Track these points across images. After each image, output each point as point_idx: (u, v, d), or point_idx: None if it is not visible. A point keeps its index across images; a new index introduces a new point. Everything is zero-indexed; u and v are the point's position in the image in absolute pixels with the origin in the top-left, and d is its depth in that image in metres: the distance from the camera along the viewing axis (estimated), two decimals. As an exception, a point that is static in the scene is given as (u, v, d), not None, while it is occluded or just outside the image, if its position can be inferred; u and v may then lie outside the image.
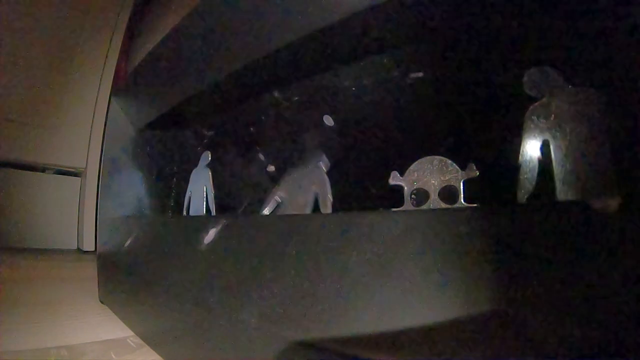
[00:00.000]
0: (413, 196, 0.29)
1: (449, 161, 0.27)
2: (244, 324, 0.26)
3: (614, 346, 0.14)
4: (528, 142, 0.24)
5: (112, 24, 1.33)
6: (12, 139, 1.16)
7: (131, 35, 1.43)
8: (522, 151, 0.24)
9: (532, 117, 0.24)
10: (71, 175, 1.31)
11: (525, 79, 0.25)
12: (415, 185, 0.29)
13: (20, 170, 1.21)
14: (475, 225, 0.20)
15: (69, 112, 1.26)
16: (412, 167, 0.29)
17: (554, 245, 0.17)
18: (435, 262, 0.20)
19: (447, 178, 0.27)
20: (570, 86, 0.23)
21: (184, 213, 0.56)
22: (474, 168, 0.26)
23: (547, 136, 0.23)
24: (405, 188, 0.29)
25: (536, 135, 0.24)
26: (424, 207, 0.28)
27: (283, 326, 0.24)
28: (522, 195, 0.24)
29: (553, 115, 0.23)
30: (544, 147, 0.23)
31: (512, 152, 0.26)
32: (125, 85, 0.65)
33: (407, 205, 0.29)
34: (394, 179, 0.30)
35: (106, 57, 1.32)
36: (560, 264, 0.16)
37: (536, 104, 0.24)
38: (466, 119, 0.32)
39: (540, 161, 0.24)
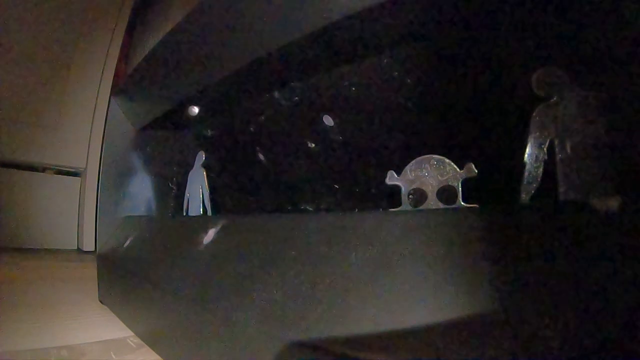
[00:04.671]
0: (411, 196, 0.29)
1: (447, 160, 0.27)
2: (243, 324, 0.26)
3: (615, 347, 0.14)
4: (533, 142, 0.24)
5: (112, 24, 1.33)
6: (12, 139, 1.16)
7: (131, 35, 1.43)
8: (527, 150, 0.24)
9: (539, 117, 0.24)
10: (71, 175, 1.31)
11: (534, 78, 0.24)
12: (413, 185, 0.29)
13: (20, 170, 1.21)
14: (474, 226, 0.20)
15: (69, 112, 1.26)
16: (409, 166, 0.29)
17: (554, 246, 0.17)
18: (434, 263, 0.20)
19: (445, 178, 0.27)
20: (578, 88, 0.23)
21: (184, 214, 0.56)
22: (473, 168, 0.26)
23: (553, 136, 0.23)
24: (403, 188, 0.29)
25: (542, 135, 0.24)
26: (422, 207, 0.28)
27: (282, 327, 0.24)
28: (525, 196, 0.24)
29: (560, 116, 0.23)
30: (549, 148, 0.23)
31: (512, 152, 0.25)
32: (125, 85, 0.65)
33: (405, 206, 0.29)
34: (391, 178, 0.30)
35: (106, 57, 1.32)
36: (561, 264, 0.16)
37: (544, 104, 0.24)
38: (467, 119, 0.32)
39: (544, 161, 0.24)
